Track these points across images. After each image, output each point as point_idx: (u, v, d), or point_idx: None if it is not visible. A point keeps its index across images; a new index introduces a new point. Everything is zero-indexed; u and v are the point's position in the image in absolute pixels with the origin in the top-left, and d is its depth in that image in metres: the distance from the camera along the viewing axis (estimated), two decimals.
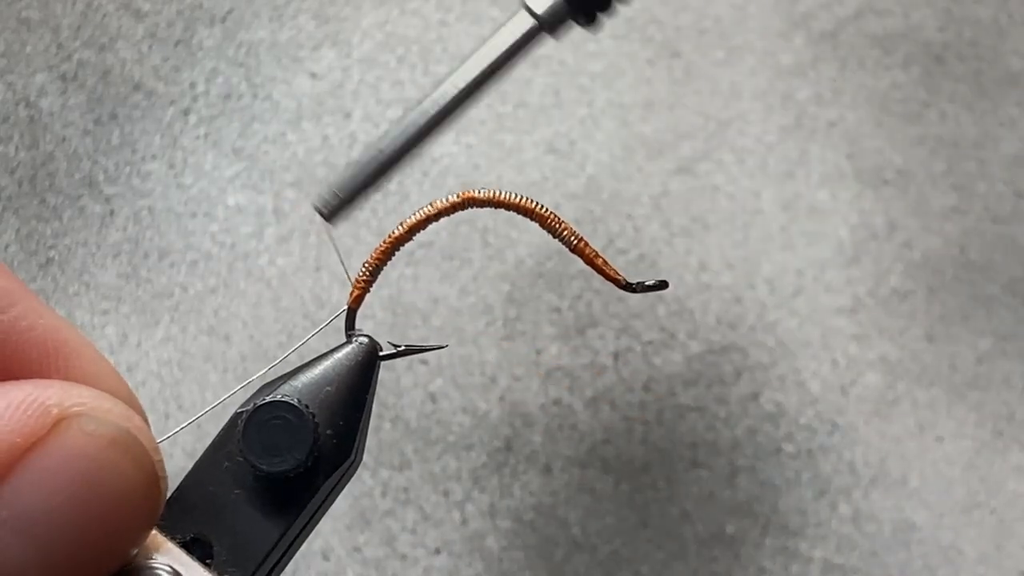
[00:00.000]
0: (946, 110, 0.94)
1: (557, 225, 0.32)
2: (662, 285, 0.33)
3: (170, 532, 0.31)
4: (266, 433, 0.32)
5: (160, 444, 0.28)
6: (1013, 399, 0.86)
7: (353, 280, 0.34)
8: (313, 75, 0.94)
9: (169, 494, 0.33)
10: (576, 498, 0.83)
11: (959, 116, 0.93)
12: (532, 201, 0.33)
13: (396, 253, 0.34)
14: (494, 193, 0.33)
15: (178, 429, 0.36)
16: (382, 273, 0.36)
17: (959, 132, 0.93)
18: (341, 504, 0.82)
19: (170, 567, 0.29)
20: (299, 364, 0.34)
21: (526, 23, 0.51)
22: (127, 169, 0.92)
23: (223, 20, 0.96)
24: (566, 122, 0.93)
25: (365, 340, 0.35)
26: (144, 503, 0.25)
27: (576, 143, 0.92)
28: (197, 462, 0.33)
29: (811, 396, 0.85)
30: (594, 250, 0.32)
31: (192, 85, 0.94)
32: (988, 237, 0.90)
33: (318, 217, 0.52)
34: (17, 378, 0.24)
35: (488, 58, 0.51)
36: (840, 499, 0.83)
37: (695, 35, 0.96)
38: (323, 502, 0.33)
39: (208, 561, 0.32)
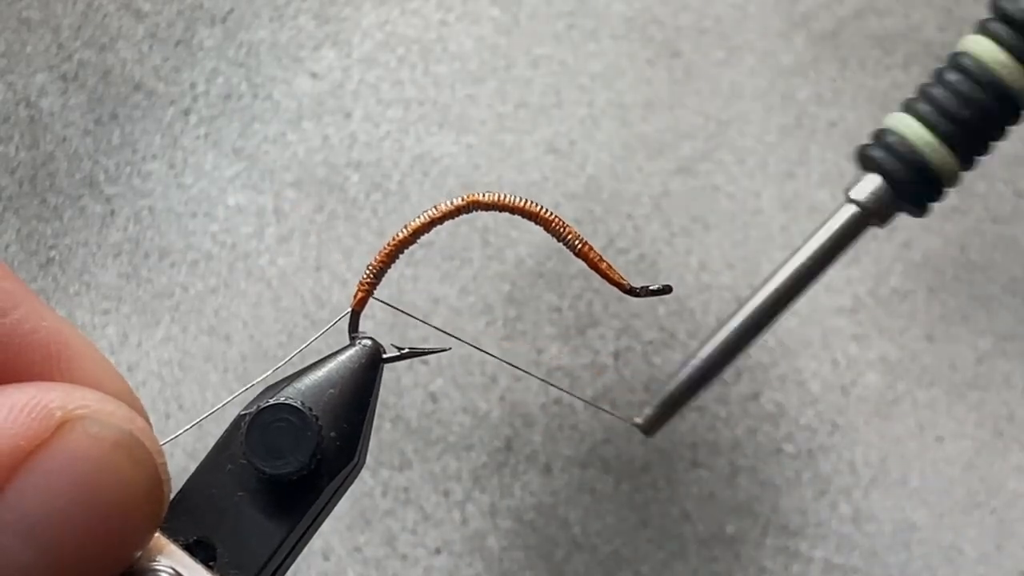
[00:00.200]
0: None
1: (561, 228, 0.32)
2: (666, 290, 0.33)
3: (173, 534, 0.31)
4: (269, 435, 0.32)
5: (162, 446, 0.28)
6: (1013, 399, 0.86)
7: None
8: (313, 75, 0.94)
9: (172, 496, 0.33)
10: (576, 498, 0.83)
11: None
12: (536, 204, 0.33)
13: (400, 256, 0.34)
14: (498, 196, 0.33)
15: (179, 432, 0.36)
16: (385, 274, 0.36)
17: None
18: (342, 504, 0.82)
19: (173, 569, 0.29)
20: (302, 366, 0.34)
21: (850, 214, 0.48)
22: (127, 169, 0.92)
23: (223, 20, 0.96)
24: (566, 122, 0.93)
25: (368, 342, 0.35)
26: (147, 506, 0.25)
27: (576, 143, 0.92)
28: (200, 464, 0.33)
29: (811, 396, 0.85)
30: (598, 254, 0.32)
31: (192, 85, 0.94)
32: (988, 237, 0.90)
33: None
34: (20, 381, 0.24)
35: (811, 255, 0.48)
36: (840, 499, 0.83)
37: (695, 35, 0.96)
38: (326, 505, 0.33)
39: (211, 564, 0.32)
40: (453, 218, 0.33)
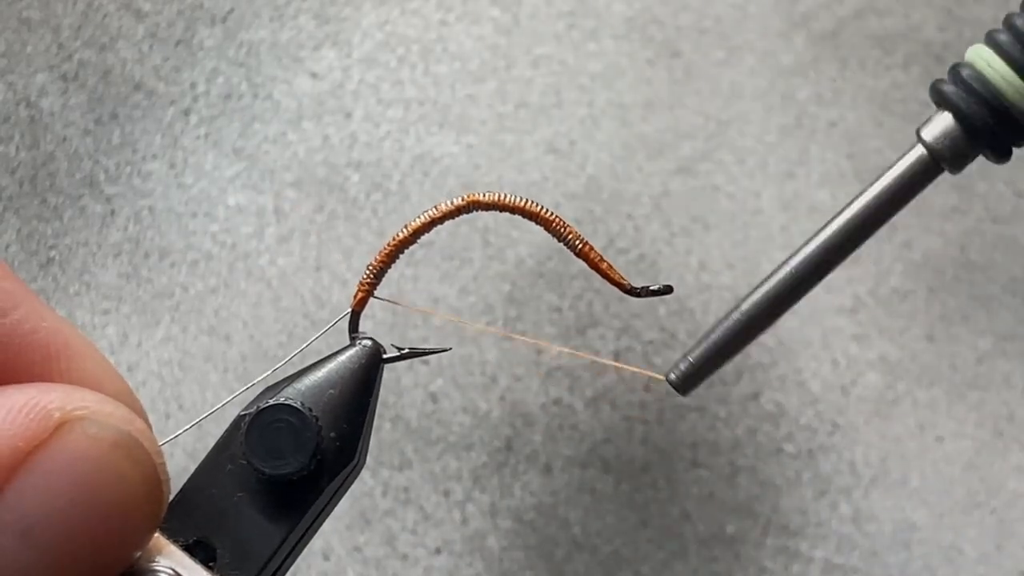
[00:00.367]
0: None
1: (561, 228, 0.32)
2: (667, 290, 0.33)
3: (173, 535, 0.31)
4: (269, 436, 0.32)
5: (162, 446, 0.28)
6: (1013, 399, 0.86)
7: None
8: (313, 75, 0.94)
9: (172, 497, 0.33)
10: (577, 498, 0.83)
11: None
12: (536, 204, 0.33)
13: (400, 256, 0.34)
14: (498, 196, 0.33)
15: (179, 432, 0.36)
16: (385, 274, 0.36)
17: None
18: (342, 504, 0.82)
19: (173, 570, 0.29)
20: (302, 366, 0.34)
21: (917, 156, 0.42)
22: (128, 169, 0.92)
23: (223, 20, 0.96)
24: (566, 122, 0.93)
25: (368, 343, 0.35)
26: (147, 506, 0.25)
27: (576, 143, 0.92)
28: (200, 465, 0.33)
29: (811, 396, 0.85)
30: (598, 254, 0.32)
31: (193, 85, 0.94)
32: (988, 237, 0.90)
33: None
34: (19, 381, 0.24)
35: (873, 200, 0.43)
36: (840, 499, 0.83)
37: (695, 35, 0.96)
38: (326, 505, 0.33)
39: (211, 564, 0.32)
40: (453, 218, 0.33)
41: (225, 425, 0.34)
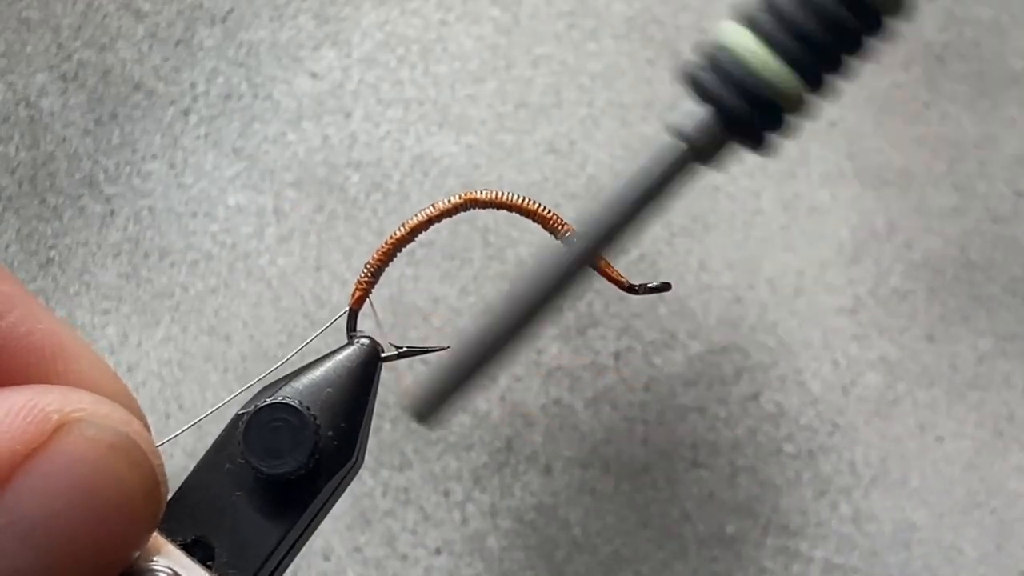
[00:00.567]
0: (947, 110, 0.93)
1: (559, 226, 0.32)
2: (665, 287, 0.33)
3: (171, 534, 0.31)
4: (267, 435, 0.32)
5: (161, 446, 0.28)
6: (1013, 399, 0.86)
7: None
8: (313, 75, 0.94)
9: (170, 496, 0.33)
10: (577, 498, 0.83)
11: (960, 116, 0.93)
12: (533, 202, 0.33)
13: (398, 254, 0.34)
14: (496, 194, 0.33)
15: (179, 432, 0.36)
16: (382, 273, 0.35)
17: (960, 132, 0.93)
18: (341, 504, 0.82)
19: (171, 569, 0.29)
20: (300, 365, 0.34)
21: (672, 150, 0.36)
22: (127, 169, 0.92)
23: (223, 20, 0.96)
24: (566, 122, 0.93)
25: (367, 341, 0.35)
26: (145, 507, 0.25)
27: (576, 143, 0.92)
28: (198, 464, 0.33)
29: (811, 396, 0.85)
30: None
31: (192, 85, 0.94)
32: (988, 237, 0.90)
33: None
34: (16, 383, 0.24)
35: (626, 197, 0.37)
36: (840, 499, 0.83)
37: (695, 35, 0.96)
38: (324, 504, 0.33)
39: (209, 563, 0.32)
40: (451, 216, 0.33)
41: (224, 425, 0.34)
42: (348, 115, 0.93)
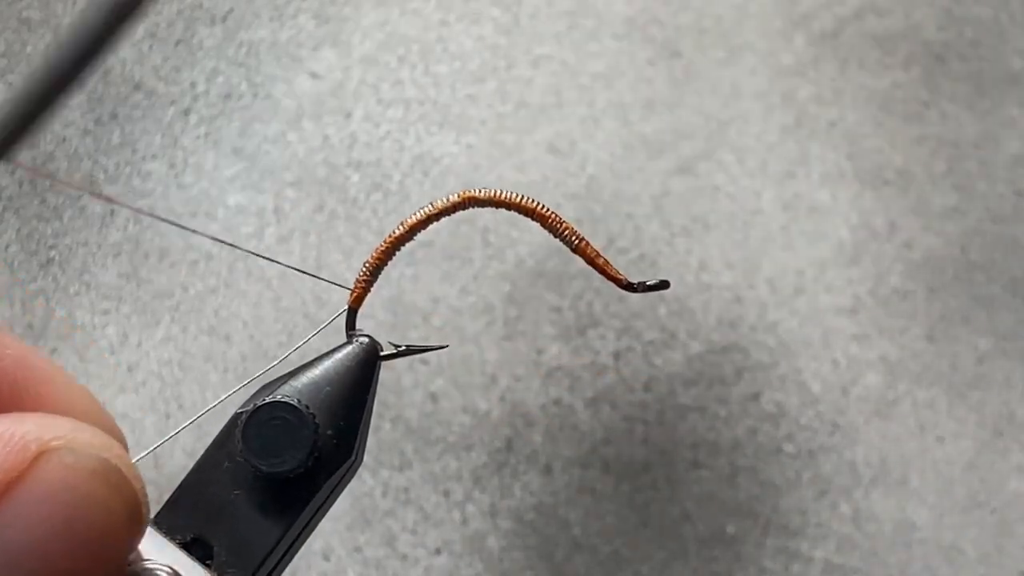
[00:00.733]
0: (947, 110, 0.93)
1: (558, 225, 0.32)
2: (663, 285, 0.33)
3: (170, 533, 0.31)
4: (266, 433, 0.32)
5: (158, 447, 0.28)
6: (1013, 399, 0.86)
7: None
8: (313, 75, 0.94)
9: (169, 495, 0.33)
10: (577, 498, 0.83)
11: (960, 116, 0.93)
12: (533, 200, 0.32)
13: (397, 253, 0.34)
14: (495, 192, 0.33)
15: (176, 431, 0.36)
16: (382, 273, 0.35)
17: (960, 132, 0.93)
18: (341, 504, 0.82)
19: (170, 568, 0.29)
20: (299, 364, 0.34)
21: None
22: (127, 169, 0.92)
23: (223, 20, 0.96)
24: (567, 122, 0.93)
25: (365, 340, 0.35)
26: (127, 530, 0.25)
27: (577, 143, 0.92)
28: (197, 463, 0.33)
29: (812, 396, 0.85)
30: (595, 250, 0.32)
31: (192, 85, 0.94)
32: (988, 237, 0.90)
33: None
34: None
35: None
36: (840, 499, 0.83)
37: (695, 35, 0.96)
38: (324, 503, 0.33)
39: (208, 562, 0.32)
40: (449, 214, 0.33)
41: (223, 423, 0.34)
42: (348, 115, 0.93)
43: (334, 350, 0.35)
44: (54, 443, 0.23)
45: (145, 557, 0.29)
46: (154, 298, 0.88)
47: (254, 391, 0.35)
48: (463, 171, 0.91)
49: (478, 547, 0.82)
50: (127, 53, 0.95)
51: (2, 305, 0.87)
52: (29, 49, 0.95)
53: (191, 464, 0.34)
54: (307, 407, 0.32)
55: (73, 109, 0.93)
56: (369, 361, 0.35)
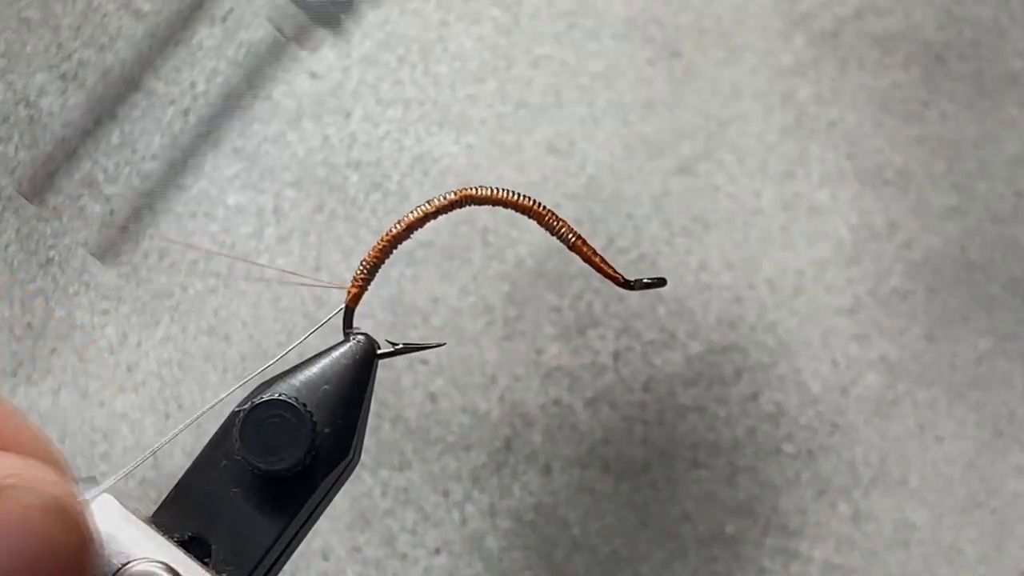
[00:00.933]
0: (946, 110, 0.93)
1: (555, 222, 0.32)
2: (660, 282, 0.33)
3: (168, 531, 0.31)
4: (264, 432, 0.32)
5: (160, 445, 0.28)
6: (1013, 399, 0.85)
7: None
8: (313, 75, 0.94)
9: (167, 493, 0.33)
10: (576, 498, 0.83)
11: (959, 116, 0.93)
12: (530, 199, 0.32)
13: (394, 251, 0.34)
14: (492, 191, 0.33)
15: (176, 431, 0.36)
16: (382, 273, 0.35)
17: (959, 132, 0.93)
18: (341, 504, 0.82)
19: (168, 566, 0.29)
20: (296, 362, 0.34)
21: None
22: (127, 169, 0.92)
23: (223, 20, 0.96)
24: (566, 122, 0.93)
25: (363, 338, 0.35)
26: (76, 564, 0.25)
27: (576, 143, 0.92)
28: (195, 461, 0.33)
29: (811, 396, 0.85)
30: (592, 248, 0.32)
31: (192, 85, 0.94)
32: (988, 237, 0.90)
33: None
34: None
35: None
36: (840, 499, 0.83)
37: (695, 35, 0.96)
38: (321, 501, 0.33)
39: (206, 560, 0.32)
40: (446, 213, 0.33)
41: (221, 422, 0.34)
42: (348, 115, 0.93)
43: (331, 348, 0.35)
44: (8, 481, 0.24)
45: (143, 555, 0.29)
46: (154, 298, 0.88)
47: (251, 389, 0.35)
48: (463, 171, 0.91)
49: (477, 547, 0.82)
50: (127, 53, 0.95)
51: (2, 305, 0.87)
52: (29, 49, 0.95)
53: (188, 463, 0.33)
54: (305, 405, 0.32)
55: (73, 109, 0.93)
56: (366, 359, 0.35)
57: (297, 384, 0.33)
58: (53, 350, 0.86)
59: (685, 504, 0.83)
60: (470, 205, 0.32)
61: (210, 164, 0.92)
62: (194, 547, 0.32)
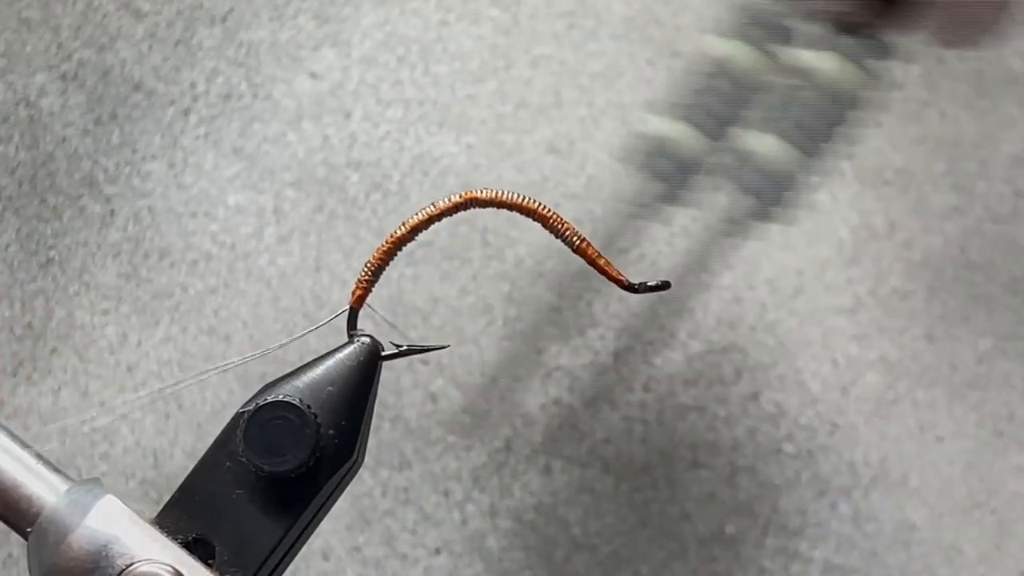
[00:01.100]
0: (946, 110, 0.94)
1: (560, 225, 0.32)
2: (664, 286, 0.33)
3: (172, 533, 0.31)
4: (268, 433, 0.32)
5: (160, 444, 0.28)
6: (1013, 399, 0.86)
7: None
8: (313, 75, 0.94)
9: (168, 495, 0.33)
10: (576, 498, 0.83)
11: (959, 116, 0.93)
12: (534, 201, 0.33)
13: (398, 253, 0.34)
14: (497, 193, 0.33)
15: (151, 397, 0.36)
16: (383, 272, 0.35)
17: (959, 132, 0.93)
18: (341, 504, 0.82)
19: (172, 567, 0.29)
20: (299, 363, 0.34)
21: None
22: (127, 169, 0.92)
23: (223, 20, 0.96)
24: (566, 122, 0.93)
25: (367, 340, 0.35)
26: None
27: (576, 143, 0.92)
28: (199, 462, 0.33)
29: (811, 396, 0.85)
30: (596, 251, 0.32)
31: (192, 85, 0.94)
32: (988, 237, 0.90)
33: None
34: None
35: None
36: (840, 499, 0.83)
37: (695, 35, 0.96)
38: (325, 502, 0.33)
39: (210, 561, 0.32)
40: (451, 215, 0.33)
41: (224, 423, 0.34)
42: (348, 115, 0.93)
43: (335, 350, 0.35)
44: None
45: (148, 556, 0.29)
46: (154, 298, 0.88)
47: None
48: (463, 171, 0.91)
49: (478, 547, 0.82)
50: (127, 53, 0.95)
51: (2, 305, 0.87)
52: (29, 49, 0.95)
53: (191, 464, 0.34)
54: (309, 407, 0.32)
55: (73, 109, 0.93)
56: (370, 361, 0.35)
57: (301, 386, 0.33)
58: (53, 350, 0.86)
59: (685, 504, 0.83)
60: (474, 207, 0.32)
61: (210, 164, 0.92)
62: (198, 548, 0.32)
